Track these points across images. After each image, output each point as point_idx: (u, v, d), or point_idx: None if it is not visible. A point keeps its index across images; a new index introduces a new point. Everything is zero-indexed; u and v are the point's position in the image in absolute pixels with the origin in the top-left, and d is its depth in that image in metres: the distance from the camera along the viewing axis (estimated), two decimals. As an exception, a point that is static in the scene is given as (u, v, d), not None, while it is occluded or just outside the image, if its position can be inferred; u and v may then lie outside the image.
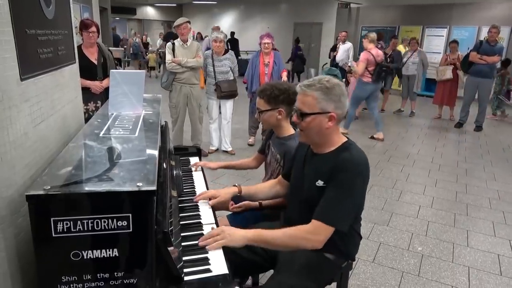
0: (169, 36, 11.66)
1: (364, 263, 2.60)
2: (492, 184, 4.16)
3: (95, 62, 3.65)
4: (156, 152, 1.34)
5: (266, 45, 4.72)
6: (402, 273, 2.52)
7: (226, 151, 4.86)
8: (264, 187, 1.93)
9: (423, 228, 3.13)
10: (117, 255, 1.05)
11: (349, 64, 8.34)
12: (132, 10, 18.78)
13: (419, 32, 10.70)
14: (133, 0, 17.27)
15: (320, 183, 1.51)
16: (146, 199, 1.03)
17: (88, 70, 3.43)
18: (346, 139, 1.58)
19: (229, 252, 1.48)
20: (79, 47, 3.56)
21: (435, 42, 10.46)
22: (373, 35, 5.70)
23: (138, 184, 1.03)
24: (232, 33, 14.29)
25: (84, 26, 3.55)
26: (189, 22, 4.33)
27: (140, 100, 1.91)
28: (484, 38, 6.43)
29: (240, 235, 1.43)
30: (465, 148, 5.63)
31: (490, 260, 2.71)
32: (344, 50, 8.86)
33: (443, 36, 10.35)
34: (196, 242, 1.42)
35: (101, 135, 1.49)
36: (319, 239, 1.44)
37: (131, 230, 1.03)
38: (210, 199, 1.76)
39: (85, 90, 3.59)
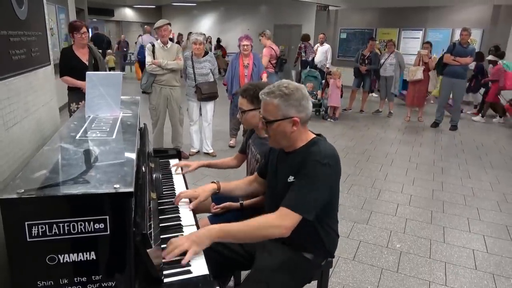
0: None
1: (345, 261, 2.64)
2: (466, 181, 4.29)
3: (86, 63, 3.71)
4: (134, 154, 1.33)
5: (245, 47, 4.74)
6: (382, 270, 2.57)
7: (207, 153, 4.85)
8: (243, 183, 1.94)
9: (401, 225, 3.20)
10: (94, 258, 1.03)
11: (327, 66, 8.46)
12: (110, 12, 18.45)
13: (396, 34, 10.95)
14: (111, 1, 16.98)
15: (291, 178, 1.54)
16: (124, 201, 1.02)
17: (79, 71, 3.43)
18: (314, 136, 1.61)
19: (209, 251, 1.48)
20: (71, 48, 3.72)
21: (411, 44, 10.72)
22: (269, 32, 6.48)
23: (115, 186, 1.02)
24: (219, 40, 14.33)
25: (75, 28, 3.64)
26: (169, 24, 4.30)
27: (117, 102, 1.89)
28: (457, 41, 6.63)
29: (204, 236, 1.38)
30: (441, 147, 5.79)
31: (466, 255, 2.79)
32: (323, 52, 9.00)
33: (419, 38, 10.62)
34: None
35: (77, 137, 1.47)
36: (286, 226, 1.43)
37: (108, 232, 1.02)
38: (190, 201, 1.75)
39: (77, 90, 3.66)
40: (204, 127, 4.79)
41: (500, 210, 3.58)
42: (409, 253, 2.79)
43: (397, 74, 7.54)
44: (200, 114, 4.79)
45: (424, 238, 3.00)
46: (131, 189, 1.03)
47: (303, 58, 9.18)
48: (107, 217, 1.01)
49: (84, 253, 1.02)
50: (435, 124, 6.96)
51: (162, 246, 1.39)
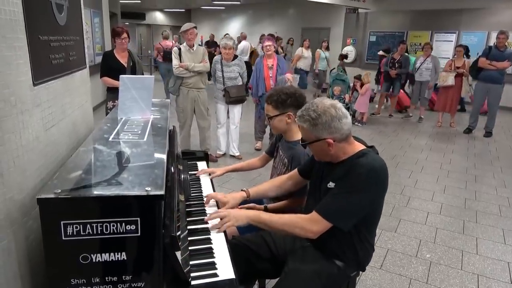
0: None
1: (372, 270, 2.58)
2: (502, 191, 4.11)
3: (125, 65, 4.02)
4: (164, 157, 1.36)
5: (268, 47, 4.76)
6: (410, 280, 2.50)
7: (233, 156, 4.88)
8: (273, 185, 1.92)
9: (432, 235, 3.10)
10: (125, 258, 1.06)
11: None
12: (141, 15, 18.97)
13: (428, 37, 10.64)
14: (143, 5, 17.44)
15: (331, 185, 1.53)
16: (154, 203, 1.04)
17: (118, 72, 3.63)
18: (363, 147, 1.57)
19: (238, 259, 1.50)
20: (112, 52, 4.07)
21: (444, 47, 10.39)
22: (166, 32, 7.98)
23: (146, 188, 1.04)
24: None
25: (117, 33, 3.97)
26: (195, 27, 4.37)
27: (149, 104, 1.93)
28: (494, 44, 6.37)
29: (243, 215, 1.56)
30: (475, 154, 5.57)
31: (500, 268, 2.67)
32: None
33: (452, 41, 10.28)
34: (203, 246, 1.43)
35: (110, 139, 1.51)
36: (313, 230, 1.48)
37: (139, 234, 1.05)
38: (217, 205, 1.77)
39: (115, 90, 3.91)
40: (231, 130, 4.82)
41: (539, 222, 3.41)
42: (439, 263, 2.69)
43: (433, 79, 7.28)
44: (228, 117, 4.83)
45: (455, 249, 2.89)
46: (162, 192, 1.05)
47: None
48: (138, 219, 1.04)
49: (116, 253, 1.05)
50: (469, 130, 6.71)
51: (190, 248, 1.41)
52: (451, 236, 3.09)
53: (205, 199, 1.80)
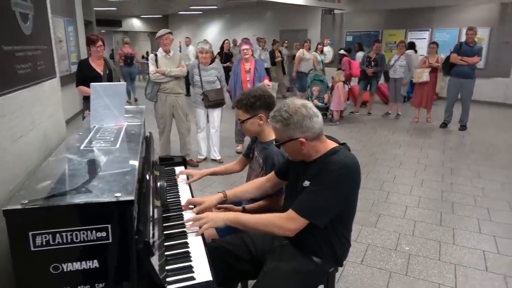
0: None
1: (353, 265, 2.62)
2: (476, 181, 4.24)
3: (101, 73, 3.95)
4: (136, 163, 1.36)
5: (245, 51, 4.79)
6: (390, 273, 2.55)
7: (215, 160, 4.87)
8: (251, 187, 1.94)
9: (410, 228, 3.17)
10: (97, 266, 1.05)
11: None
12: (117, 22, 18.78)
13: (402, 35, 10.89)
14: (119, 12, 17.27)
15: (306, 183, 1.55)
16: (125, 209, 1.04)
17: (94, 80, 3.57)
18: (335, 145, 1.61)
19: (217, 261, 1.51)
20: (87, 60, 4.02)
21: (418, 44, 10.63)
22: (126, 39, 8.79)
23: (116, 194, 1.04)
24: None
25: (92, 41, 3.91)
26: (170, 33, 4.37)
27: (122, 111, 1.92)
28: (464, 40, 6.57)
29: (221, 217, 1.58)
30: (450, 147, 5.73)
31: (476, 257, 2.75)
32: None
33: (425, 38, 10.55)
34: (180, 251, 1.43)
35: (82, 148, 1.50)
36: (290, 228, 1.51)
37: (110, 240, 1.04)
38: (194, 206, 1.77)
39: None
40: (212, 134, 4.82)
41: (511, 210, 3.52)
42: (418, 255, 2.76)
43: (407, 76, 7.46)
44: (207, 121, 4.83)
45: (433, 240, 2.97)
46: (132, 197, 1.05)
47: None
48: (109, 225, 1.03)
49: (87, 262, 1.04)
50: (444, 125, 6.89)
51: (167, 253, 1.41)
52: (429, 228, 3.17)
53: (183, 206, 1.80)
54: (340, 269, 2.50)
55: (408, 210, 3.51)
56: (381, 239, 2.98)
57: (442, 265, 2.65)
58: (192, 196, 2.00)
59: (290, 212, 1.51)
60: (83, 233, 1.02)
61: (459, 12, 9.95)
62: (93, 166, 1.33)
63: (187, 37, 11.50)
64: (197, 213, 1.74)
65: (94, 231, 1.03)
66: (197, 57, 4.77)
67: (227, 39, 10.44)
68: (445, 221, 3.29)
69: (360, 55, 9.40)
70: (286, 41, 12.22)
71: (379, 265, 2.63)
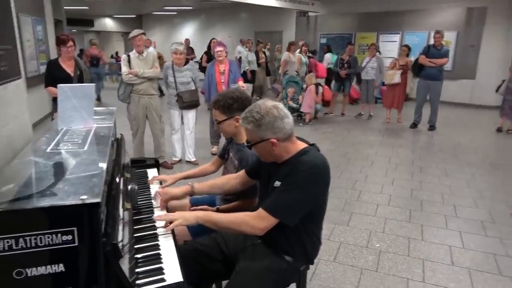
0: None
1: (326, 263, 2.67)
2: (444, 179, 4.40)
3: (72, 74, 3.83)
4: (104, 165, 1.34)
5: (219, 53, 4.79)
6: (361, 270, 2.61)
7: (189, 162, 4.84)
8: (219, 182, 1.96)
9: (381, 225, 3.26)
10: (63, 270, 1.04)
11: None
12: (89, 22, 18.33)
13: (374, 38, 11.16)
14: (91, 11, 16.87)
15: (277, 183, 1.57)
16: (91, 211, 1.03)
17: (64, 81, 3.46)
18: (305, 145, 1.64)
19: (190, 262, 1.51)
20: (56, 60, 3.88)
21: (389, 47, 10.95)
22: (94, 40, 9.64)
23: (81, 197, 1.03)
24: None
25: (62, 41, 3.77)
26: (144, 33, 4.32)
27: (91, 113, 1.89)
28: (432, 43, 6.81)
29: (192, 216, 1.58)
30: (420, 147, 5.92)
31: (443, 252, 2.86)
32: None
33: (396, 41, 10.86)
34: (151, 253, 1.43)
35: (48, 150, 1.47)
36: (260, 227, 1.52)
37: (76, 244, 1.03)
38: (167, 210, 1.77)
39: None
40: (186, 135, 4.79)
41: (476, 206, 3.68)
42: (388, 252, 2.84)
43: (378, 77, 7.66)
44: (182, 123, 4.79)
45: (402, 237, 3.07)
46: (98, 200, 1.04)
47: None
48: (75, 228, 1.02)
49: (53, 266, 1.02)
50: (414, 125, 7.11)
51: (137, 255, 1.40)
52: (398, 225, 3.27)
53: (154, 203, 1.80)
54: (313, 267, 2.56)
55: (379, 208, 3.61)
56: (353, 237, 3.05)
57: (411, 260, 2.74)
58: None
59: (261, 211, 1.53)
60: (48, 237, 1.00)
61: (428, 16, 10.29)
62: (59, 169, 1.31)
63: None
64: (164, 205, 1.79)
65: (59, 235, 1.01)
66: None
67: (214, 38, 10.35)
68: (414, 218, 3.40)
69: (328, 56, 9.54)
70: (268, 43, 12.26)
71: (351, 262, 2.69)
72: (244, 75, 8.62)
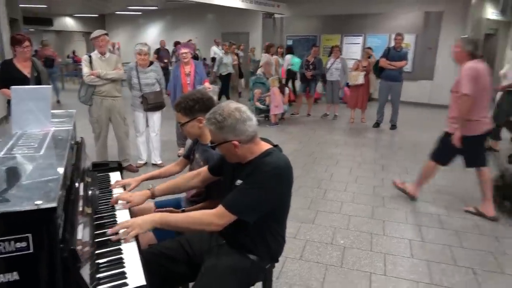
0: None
1: (292, 261, 2.72)
2: (404, 176, 4.58)
3: (29, 75, 3.72)
4: (62, 169, 1.30)
5: (184, 55, 4.76)
6: (327, 266, 2.68)
7: (155, 164, 4.77)
8: (179, 181, 1.97)
9: (345, 222, 3.35)
10: (17, 278, 1.00)
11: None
12: (48, 21, 17.58)
13: (338, 40, 11.45)
14: (50, 10, 16.20)
15: (238, 182, 1.59)
16: (46, 217, 1.00)
17: (21, 83, 3.32)
18: (269, 147, 1.66)
19: (154, 266, 1.49)
20: (11, 61, 3.72)
21: (352, 49, 11.26)
22: (46, 41, 9.90)
23: (36, 202, 1.00)
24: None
25: (17, 41, 3.63)
26: (106, 34, 4.22)
27: (48, 116, 1.83)
28: (392, 45, 7.08)
29: (148, 220, 1.54)
30: (382, 146, 6.14)
31: (403, 245, 2.99)
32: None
33: (359, 43, 11.19)
34: (113, 258, 1.40)
35: (0, 155, 1.41)
36: (219, 223, 1.55)
37: (32, 250, 1.00)
38: (131, 215, 1.75)
39: None
40: (152, 137, 4.71)
41: (434, 201, 3.87)
42: (352, 247, 2.93)
43: (342, 78, 7.87)
44: (147, 125, 4.71)
45: (365, 233, 3.17)
46: (54, 205, 1.02)
47: None
48: (30, 235, 0.99)
49: (6, 274, 0.99)
50: (377, 125, 7.36)
51: (99, 260, 1.37)
52: (362, 221, 3.38)
53: (116, 206, 1.77)
54: (280, 265, 2.60)
55: (344, 205, 3.71)
56: (318, 234, 3.12)
57: (373, 255, 2.84)
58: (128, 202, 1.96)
59: (219, 207, 1.55)
60: (0, 245, 0.97)
61: (389, 19, 10.68)
62: (13, 174, 1.26)
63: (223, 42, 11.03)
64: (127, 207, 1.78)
65: (12, 242, 0.98)
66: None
67: (191, 39, 10.20)
68: (376, 214, 3.53)
69: (288, 57, 9.63)
70: (242, 44, 12.24)
71: (317, 259, 2.76)
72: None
